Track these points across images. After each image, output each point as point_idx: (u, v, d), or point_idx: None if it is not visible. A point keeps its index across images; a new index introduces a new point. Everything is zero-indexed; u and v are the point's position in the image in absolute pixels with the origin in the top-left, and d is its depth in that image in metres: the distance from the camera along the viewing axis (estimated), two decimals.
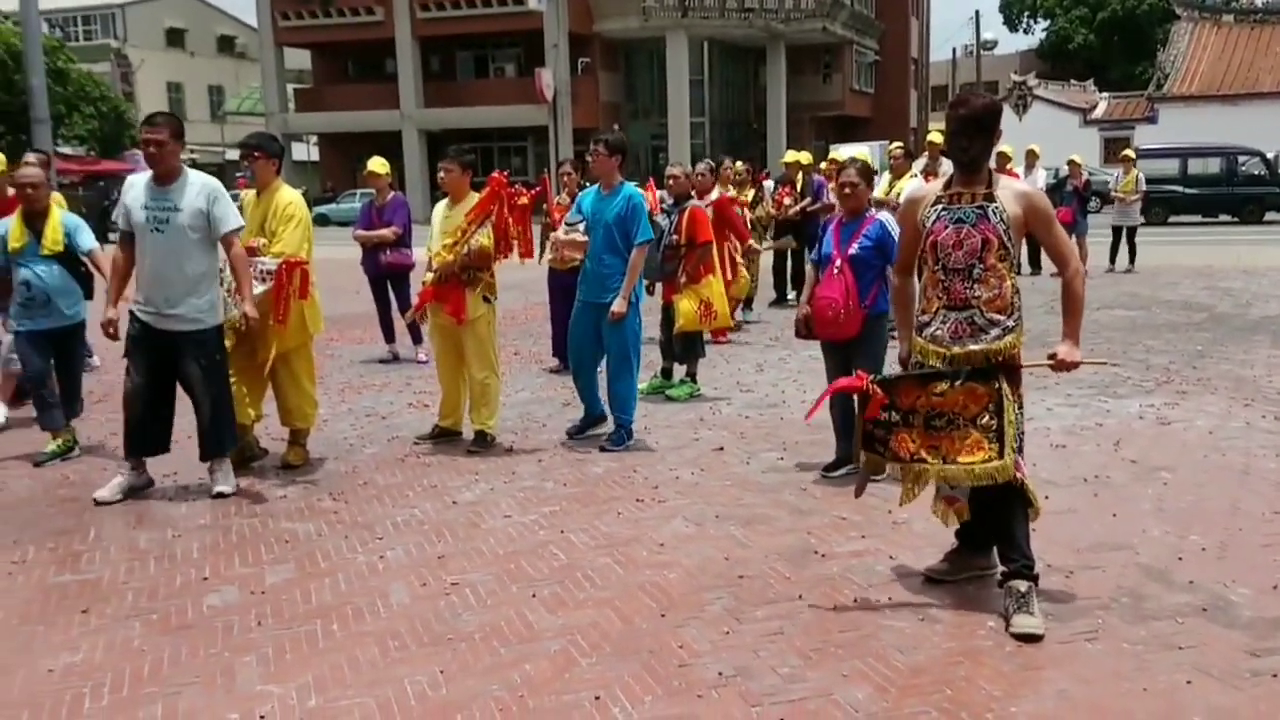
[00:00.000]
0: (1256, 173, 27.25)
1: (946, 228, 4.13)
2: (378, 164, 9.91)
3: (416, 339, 10.08)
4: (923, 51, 54.16)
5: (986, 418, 4.03)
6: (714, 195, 10.17)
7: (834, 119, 49.58)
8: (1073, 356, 4.09)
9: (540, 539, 5.13)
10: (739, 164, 12.94)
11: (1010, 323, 4.07)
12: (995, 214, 4.07)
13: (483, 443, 6.78)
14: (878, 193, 11.22)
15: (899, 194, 10.74)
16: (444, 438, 6.99)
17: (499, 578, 4.64)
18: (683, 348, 8.22)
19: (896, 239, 5.39)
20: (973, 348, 4.06)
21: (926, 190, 4.37)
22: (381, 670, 3.82)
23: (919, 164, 12.31)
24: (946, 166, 13.20)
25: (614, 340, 6.70)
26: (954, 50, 51.63)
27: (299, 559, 4.94)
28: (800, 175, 13.27)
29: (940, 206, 4.18)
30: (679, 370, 8.41)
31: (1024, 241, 4.24)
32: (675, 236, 8.02)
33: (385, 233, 9.76)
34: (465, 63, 45.85)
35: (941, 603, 4.24)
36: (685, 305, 7.96)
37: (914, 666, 3.71)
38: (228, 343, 5.99)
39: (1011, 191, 4.14)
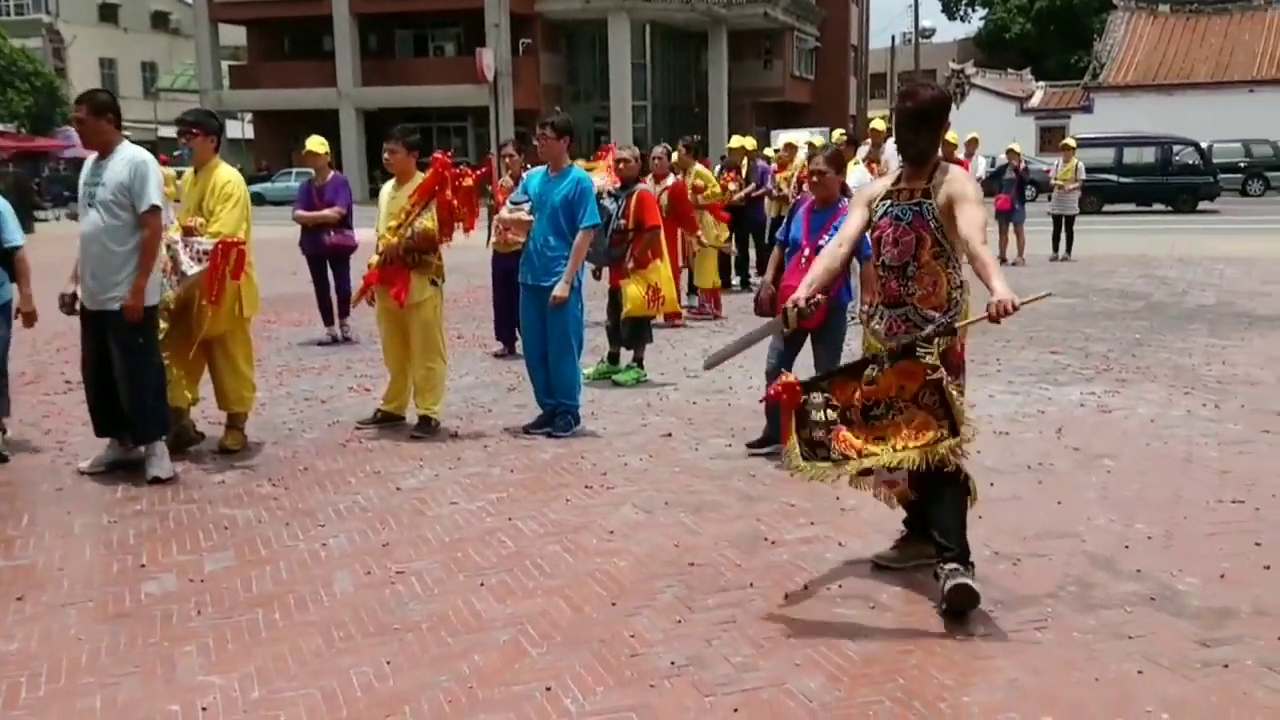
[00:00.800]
0: (1190, 162, 27.77)
1: (889, 226, 4.13)
2: (317, 143, 9.73)
3: (343, 313, 10.03)
4: (862, 38, 54.56)
5: (927, 395, 3.94)
6: (670, 181, 10.16)
7: (775, 105, 49.75)
8: (1009, 296, 3.70)
9: (487, 526, 5.05)
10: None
11: (946, 319, 4.04)
12: (928, 211, 4.05)
13: (427, 428, 6.66)
14: None
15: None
16: (386, 422, 6.86)
17: (445, 566, 4.56)
18: (630, 333, 8.16)
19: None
20: (905, 342, 4.03)
21: (887, 179, 4.35)
22: (326, 660, 3.73)
23: (862, 151, 12.37)
24: (890, 153, 13.34)
25: (556, 325, 6.58)
26: (893, 38, 52.03)
27: (238, 546, 4.82)
28: (745, 161, 13.28)
29: (888, 202, 4.17)
30: (625, 355, 8.35)
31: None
32: (623, 221, 7.95)
33: (329, 213, 9.62)
34: (404, 41, 45.25)
35: (891, 591, 4.24)
36: (633, 290, 7.90)
37: (866, 655, 3.70)
38: (162, 324, 5.82)
39: (943, 182, 4.07)
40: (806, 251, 5.73)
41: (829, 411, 4.05)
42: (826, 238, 5.63)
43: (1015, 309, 3.72)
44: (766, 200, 13.31)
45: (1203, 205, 27.12)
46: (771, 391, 4.16)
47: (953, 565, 3.97)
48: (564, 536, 4.89)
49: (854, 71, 53.90)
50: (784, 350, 5.99)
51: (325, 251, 9.84)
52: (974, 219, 3.93)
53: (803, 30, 51.10)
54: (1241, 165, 31.54)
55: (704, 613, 4.05)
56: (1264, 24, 40.26)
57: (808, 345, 5.97)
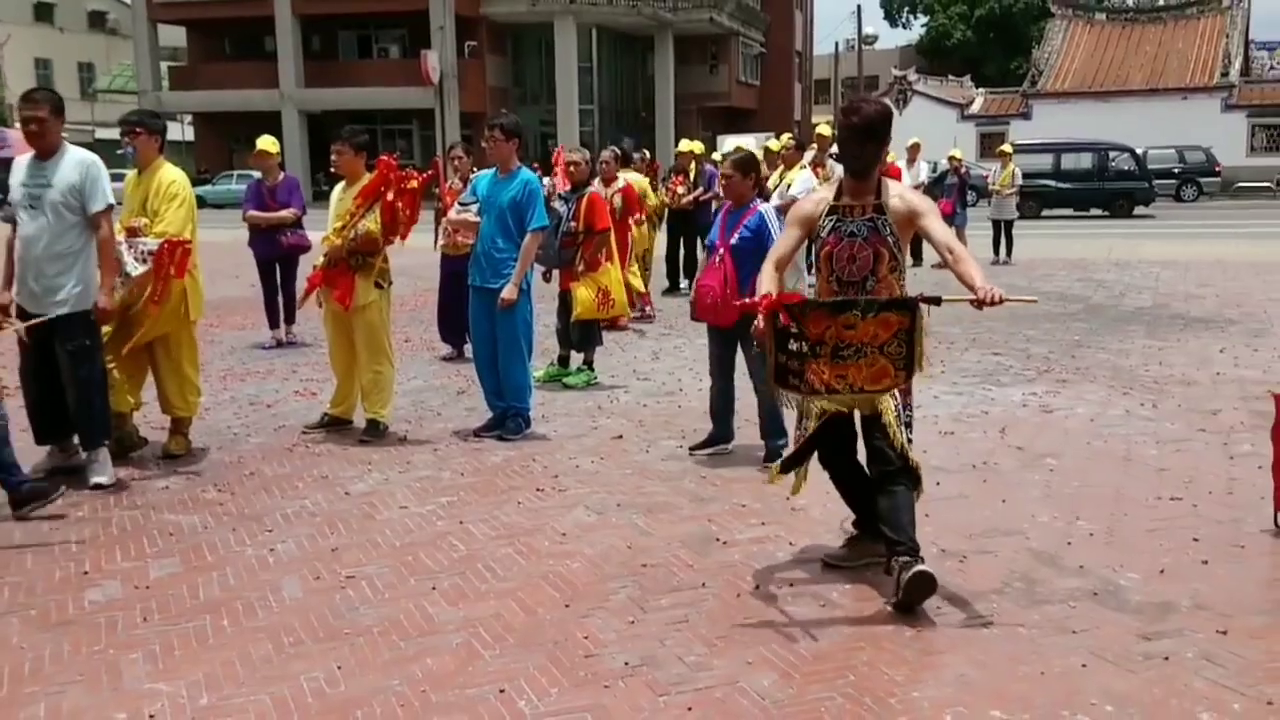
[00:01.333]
0: (1126, 168, 28.36)
1: (840, 241, 4.18)
2: (269, 143, 9.67)
3: (289, 318, 9.97)
4: (806, 45, 54.99)
5: (895, 344, 4.03)
6: (620, 183, 10.23)
7: (721, 110, 49.98)
8: (995, 291, 3.91)
9: (438, 530, 5.03)
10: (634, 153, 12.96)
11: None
12: (885, 226, 4.13)
13: (375, 432, 6.61)
14: (769, 186, 11.36)
15: (789, 184, 10.88)
16: (334, 427, 6.80)
17: (396, 570, 4.53)
18: (580, 336, 8.16)
19: (774, 231, 5.54)
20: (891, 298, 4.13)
21: (822, 197, 4.36)
22: (276, 667, 3.69)
23: (808, 155, 12.47)
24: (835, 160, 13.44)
25: (505, 327, 6.55)
26: (836, 44, 52.75)
27: (184, 552, 4.75)
28: (693, 164, 13.36)
29: (835, 218, 4.21)
30: (576, 358, 8.35)
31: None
32: (573, 224, 7.95)
33: (286, 214, 9.56)
34: (348, 42, 44.86)
35: (842, 589, 4.29)
36: (583, 293, 7.90)
37: (817, 653, 3.74)
38: (105, 328, 5.72)
39: (896, 197, 4.18)
40: (720, 251, 5.88)
41: (804, 344, 4.11)
42: (737, 236, 5.81)
43: (1000, 301, 3.91)
44: (714, 204, 13.40)
45: (1138, 210, 27.70)
46: (752, 300, 4.22)
47: (906, 558, 4.04)
48: (516, 539, 4.88)
49: (799, 77, 54.31)
50: (720, 355, 6.08)
51: (279, 253, 9.75)
52: (943, 228, 4.14)
53: (748, 36, 51.42)
54: (1175, 171, 32.26)
55: (657, 613, 4.07)
56: (1196, 32, 41.24)
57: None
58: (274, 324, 10.00)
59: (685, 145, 13.96)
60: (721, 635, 3.87)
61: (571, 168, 8.28)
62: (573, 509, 5.29)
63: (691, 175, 13.42)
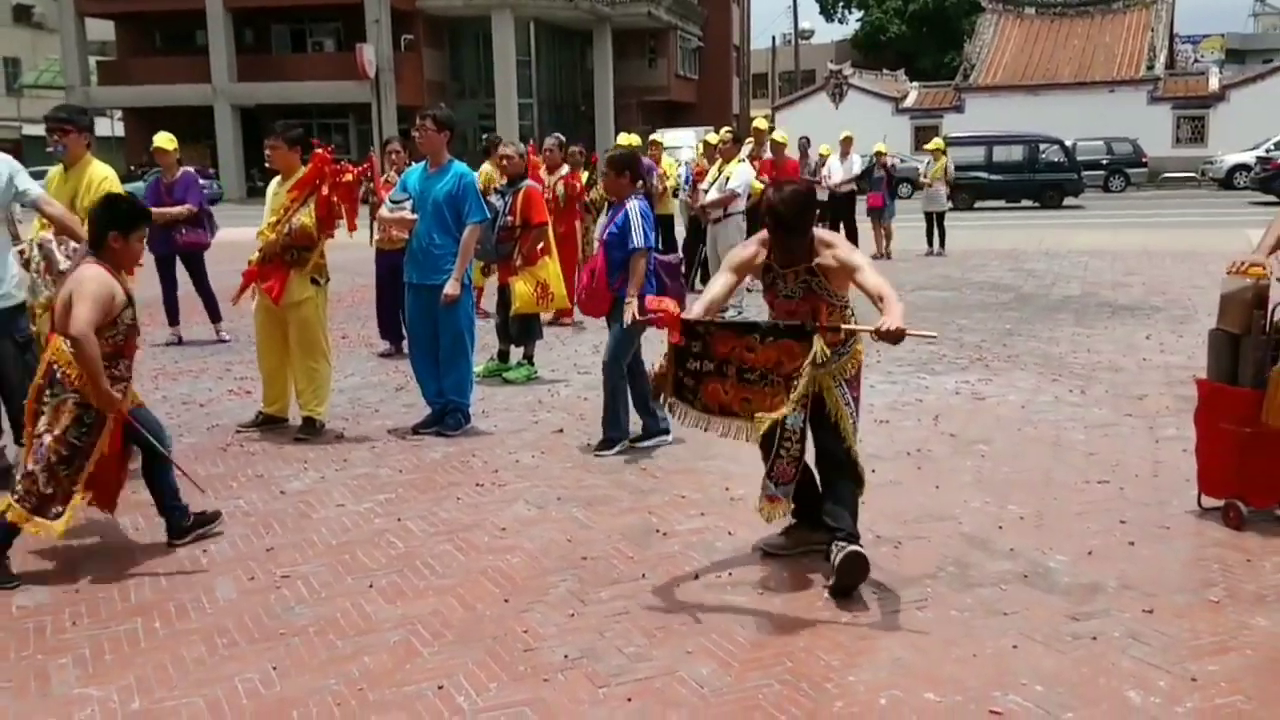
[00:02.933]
0: (1056, 160, 28.87)
1: (777, 298, 4.33)
2: (166, 139, 9.68)
3: (214, 316, 9.93)
4: (744, 39, 55.18)
5: (798, 377, 4.04)
6: (564, 171, 10.25)
7: (661, 104, 50.06)
8: (898, 324, 3.94)
9: (376, 528, 4.99)
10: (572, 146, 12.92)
11: (844, 350, 4.24)
12: (819, 286, 4.23)
13: (311, 429, 6.54)
14: (707, 180, 11.43)
15: (728, 178, 10.95)
16: (269, 425, 6.71)
17: (333, 569, 4.49)
18: (519, 330, 8.13)
19: (635, 228, 5.90)
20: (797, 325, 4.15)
21: (756, 251, 4.35)
22: (209, 669, 3.64)
23: (745, 149, 12.56)
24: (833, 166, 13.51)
25: (448, 323, 6.50)
26: (773, 38, 53.05)
27: (115, 555, 4.67)
28: None
29: (771, 276, 4.32)
30: (515, 353, 8.32)
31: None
32: (510, 218, 7.90)
33: (180, 210, 9.54)
34: (281, 36, 44.22)
35: (780, 577, 4.33)
36: (521, 287, 7.87)
37: (755, 640, 3.78)
38: (33, 327, 5.59)
39: (830, 256, 4.19)
40: (596, 245, 6.21)
41: (705, 363, 4.19)
42: (608, 231, 6.11)
43: (900, 334, 3.91)
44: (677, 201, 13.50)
45: (1068, 201, 28.21)
46: (651, 306, 4.29)
47: (843, 542, 4.10)
48: (455, 535, 4.86)
49: (736, 71, 54.54)
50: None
51: (175, 250, 9.76)
52: (876, 280, 4.12)
53: (686, 30, 51.54)
54: (1104, 162, 32.86)
55: (597, 605, 4.08)
56: (1123, 26, 42.04)
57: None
58: (173, 321, 10.04)
59: (625, 139, 13.95)
60: (661, 626, 3.89)
61: (504, 161, 8.24)
62: (513, 504, 5.28)
63: None
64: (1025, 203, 28.26)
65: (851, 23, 64.58)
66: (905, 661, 3.60)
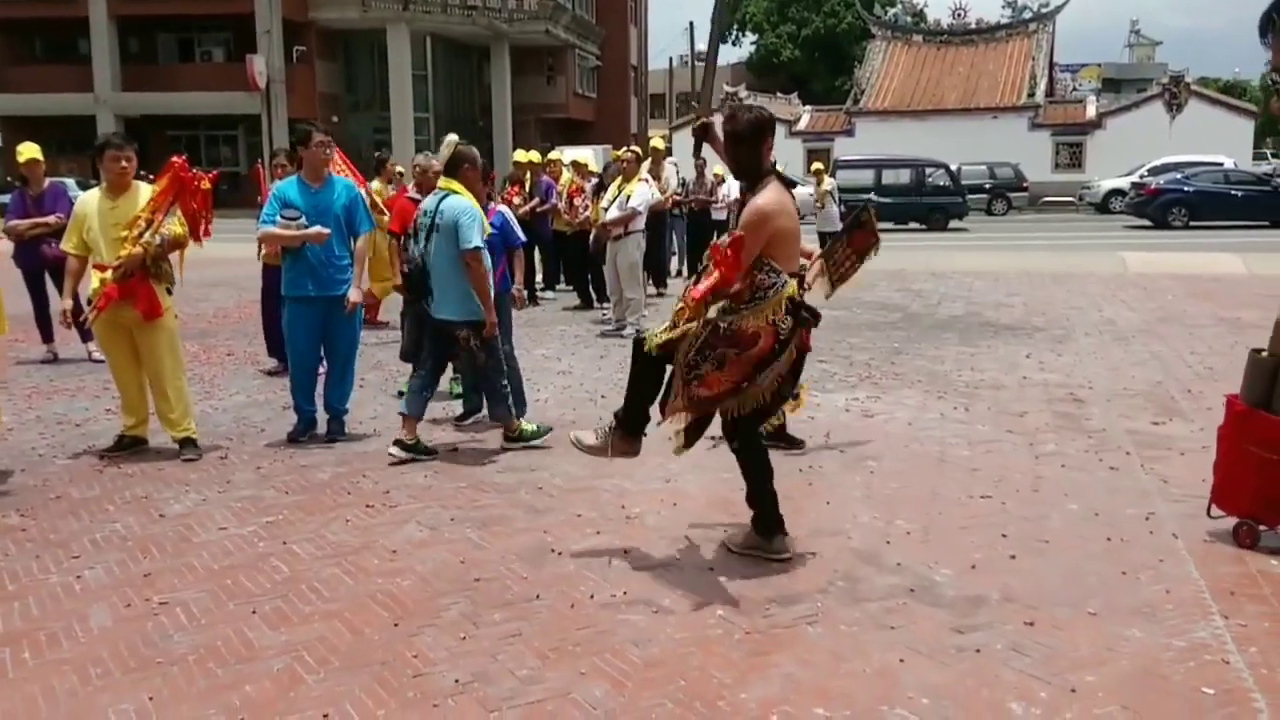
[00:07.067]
0: (942, 183, 29.72)
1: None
2: (32, 149, 9.46)
3: (85, 336, 9.47)
4: (641, 59, 55.68)
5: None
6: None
7: (559, 121, 50.10)
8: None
9: (260, 551, 4.85)
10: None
11: (743, 307, 4.47)
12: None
13: (194, 449, 6.36)
14: (607, 198, 11.45)
15: (629, 196, 10.99)
16: (134, 448, 6.47)
17: (214, 594, 4.35)
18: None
19: (514, 226, 7.18)
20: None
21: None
22: (82, 700, 3.48)
23: (644, 168, 12.61)
24: (669, 170, 13.72)
25: (346, 331, 6.72)
26: (671, 60, 53.47)
27: None
28: (529, 175, 13.33)
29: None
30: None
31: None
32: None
33: (50, 220, 9.26)
34: (168, 45, 43.03)
35: (674, 595, 4.33)
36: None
37: (649, 659, 3.77)
38: None
39: (753, 202, 4.49)
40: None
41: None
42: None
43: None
44: (550, 216, 13.44)
45: (953, 224, 29.04)
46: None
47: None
48: (343, 558, 4.75)
49: (634, 91, 54.95)
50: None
51: (44, 265, 9.46)
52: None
53: (584, 49, 51.71)
54: (987, 186, 33.96)
55: (489, 627, 4.03)
56: (1005, 55, 43.57)
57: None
58: (47, 338, 9.74)
59: (522, 155, 13.94)
60: (554, 647, 3.86)
61: (417, 171, 8.29)
62: (404, 525, 5.19)
63: (528, 186, 13.40)
64: (913, 225, 28.98)
65: (746, 45, 65.72)
66: (796, 677, 3.63)
